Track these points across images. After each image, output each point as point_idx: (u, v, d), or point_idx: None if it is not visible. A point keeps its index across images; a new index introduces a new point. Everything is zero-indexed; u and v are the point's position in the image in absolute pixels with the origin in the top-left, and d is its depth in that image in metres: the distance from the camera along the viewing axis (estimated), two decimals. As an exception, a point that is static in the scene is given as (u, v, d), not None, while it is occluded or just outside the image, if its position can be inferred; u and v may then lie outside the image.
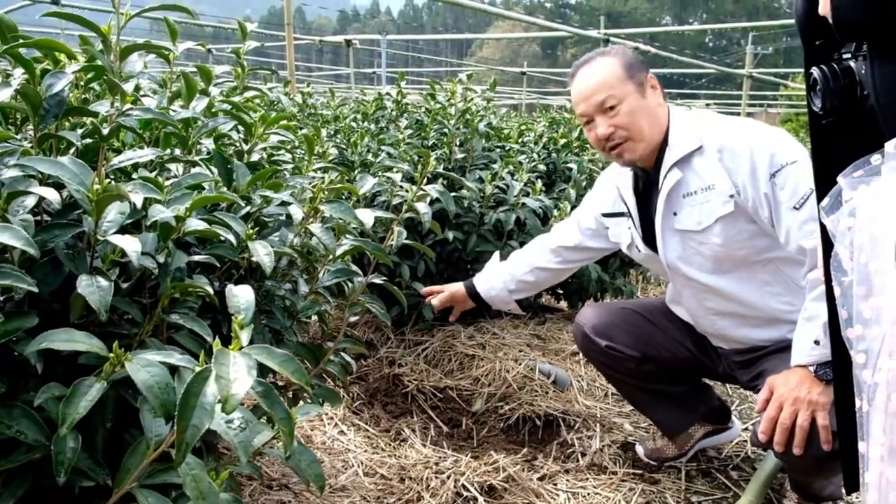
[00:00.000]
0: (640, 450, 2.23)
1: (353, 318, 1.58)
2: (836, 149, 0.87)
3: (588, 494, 2.01)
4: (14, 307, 0.99)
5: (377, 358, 2.87)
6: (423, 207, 1.60)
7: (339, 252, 1.36)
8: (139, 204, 0.94)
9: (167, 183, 1.13)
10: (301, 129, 2.18)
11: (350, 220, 1.28)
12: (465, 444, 2.36)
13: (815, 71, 0.85)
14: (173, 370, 0.85)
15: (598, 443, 2.30)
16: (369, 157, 3.00)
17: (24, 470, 0.95)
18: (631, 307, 2.15)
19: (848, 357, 0.81)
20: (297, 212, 1.30)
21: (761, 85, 17.89)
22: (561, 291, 3.62)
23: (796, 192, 1.61)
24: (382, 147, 3.00)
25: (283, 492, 1.90)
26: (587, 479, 2.09)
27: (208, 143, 1.45)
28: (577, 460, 2.21)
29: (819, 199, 0.91)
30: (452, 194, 2.64)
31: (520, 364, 2.78)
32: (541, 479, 2.08)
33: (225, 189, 1.30)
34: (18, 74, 1.16)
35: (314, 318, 1.64)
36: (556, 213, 2.94)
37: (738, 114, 11.75)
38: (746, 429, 2.44)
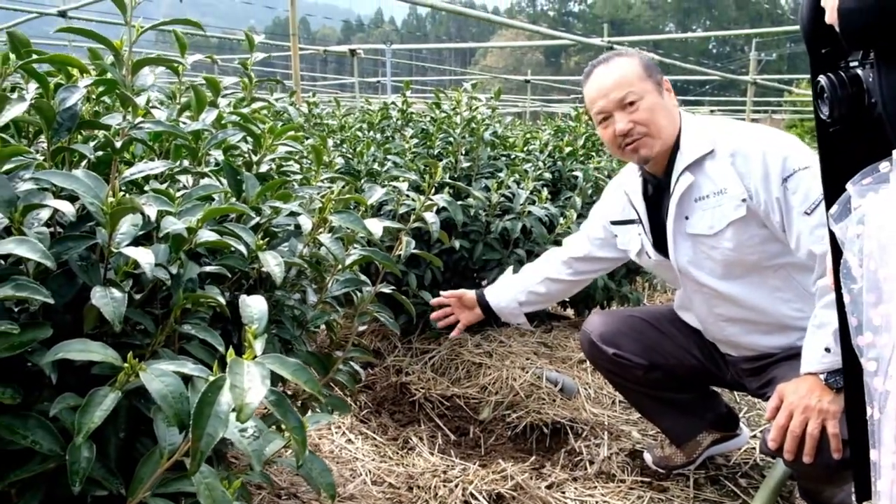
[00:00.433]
0: (648, 457, 2.23)
1: (361, 328, 1.58)
2: (843, 156, 0.87)
3: (597, 503, 2.01)
4: (28, 318, 1.00)
5: (384, 366, 2.88)
6: (430, 217, 1.61)
7: (348, 262, 1.37)
8: (153, 216, 0.95)
9: (178, 194, 1.14)
10: (307, 139, 2.19)
11: (359, 230, 1.29)
12: (473, 452, 2.36)
13: (822, 79, 0.85)
14: (186, 380, 0.85)
15: (606, 451, 2.30)
16: (375, 166, 3.01)
17: (38, 480, 0.96)
18: (638, 315, 2.15)
19: (858, 365, 0.81)
20: (306, 222, 1.31)
21: (765, 91, 17.89)
22: (567, 299, 3.63)
23: (808, 197, 1.62)
24: (388, 156, 3.01)
25: (291, 501, 1.90)
26: (595, 487, 2.09)
27: (217, 155, 1.47)
28: (585, 468, 2.21)
29: (827, 207, 0.91)
30: (459, 203, 2.65)
31: (527, 372, 2.78)
32: (549, 487, 2.08)
33: (234, 200, 1.31)
34: (32, 89, 1.18)
35: (322, 327, 1.65)
36: (562, 220, 2.94)
37: (743, 120, 11.75)
38: (755, 436, 2.43)
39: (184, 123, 1.40)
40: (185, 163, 1.38)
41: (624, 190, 1.99)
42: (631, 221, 1.99)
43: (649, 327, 2.08)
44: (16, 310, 1.02)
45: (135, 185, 1.21)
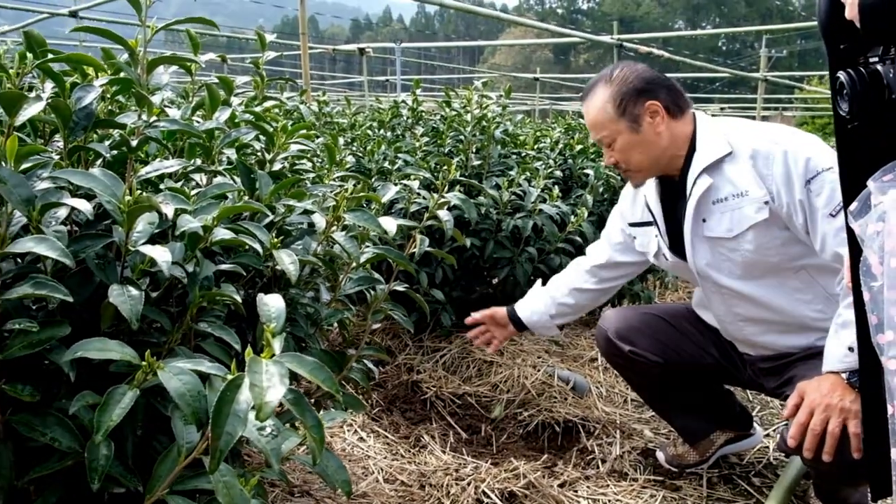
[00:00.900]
0: (660, 456, 2.22)
1: (375, 326, 1.58)
2: (863, 153, 0.86)
3: (609, 501, 2.00)
4: (46, 316, 1.01)
5: (396, 365, 2.88)
6: (444, 215, 1.61)
7: (362, 260, 1.37)
8: (170, 214, 0.95)
9: (192, 193, 1.15)
10: (318, 137, 2.20)
11: (373, 228, 1.29)
12: (485, 450, 2.36)
13: (841, 75, 0.84)
14: (204, 378, 0.86)
15: (619, 449, 2.29)
16: (386, 164, 3.01)
17: (56, 477, 0.97)
18: (654, 312, 2.14)
19: (876, 363, 0.80)
20: (320, 220, 1.31)
21: (776, 88, 17.78)
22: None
23: (832, 198, 1.59)
24: (399, 155, 3.01)
25: (304, 498, 1.91)
26: (608, 485, 2.09)
27: (230, 153, 1.47)
28: (598, 467, 2.21)
29: (845, 204, 0.91)
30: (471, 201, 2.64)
31: (538, 370, 2.78)
32: (561, 485, 2.07)
33: (248, 198, 1.31)
34: (48, 88, 1.18)
35: (334, 325, 1.65)
36: (573, 218, 2.94)
37: (753, 117, 11.69)
38: (768, 435, 2.42)
39: (197, 122, 1.40)
40: (199, 161, 1.38)
41: (641, 191, 1.98)
42: (648, 223, 1.98)
43: (666, 325, 2.07)
44: (34, 308, 1.03)
45: (150, 184, 1.22)
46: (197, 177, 1.37)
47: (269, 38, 1.80)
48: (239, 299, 1.05)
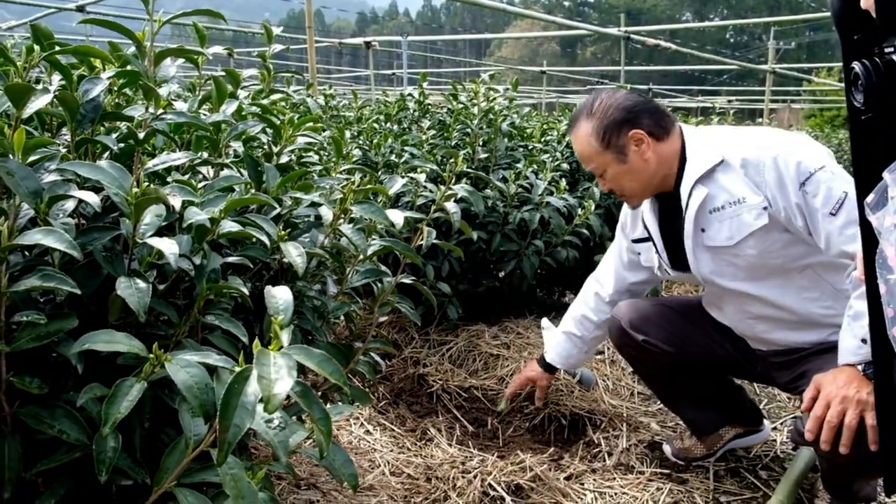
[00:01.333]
0: (667, 449, 2.21)
1: (382, 318, 1.58)
2: (877, 144, 0.85)
3: (615, 494, 2.00)
4: (53, 309, 1.01)
5: (402, 358, 2.88)
6: (452, 207, 1.60)
7: (369, 252, 1.37)
8: (178, 206, 0.95)
9: (199, 185, 1.14)
10: (325, 130, 2.19)
11: (381, 220, 1.29)
12: (491, 443, 2.36)
13: (856, 66, 0.83)
14: (211, 370, 0.86)
15: (625, 442, 2.29)
16: (392, 157, 3.01)
17: (64, 469, 0.97)
18: (668, 304, 2.13)
19: (891, 355, 0.80)
20: (327, 213, 1.31)
21: (784, 80, 17.67)
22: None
23: (830, 197, 1.59)
24: (405, 148, 3.00)
25: (311, 491, 1.91)
26: (614, 478, 2.08)
27: (237, 146, 1.47)
28: (604, 460, 2.20)
29: (860, 196, 0.90)
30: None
31: (545, 364, 2.77)
32: (567, 478, 2.07)
33: (254, 191, 1.31)
34: (55, 81, 1.18)
35: (341, 318, 1.65)
36: (580, 211, 2.93)
37: (762, 110, 11.61)
38: (775, 428, 2.42)
39: (204, 115, 1.40)
40: (205, 154, 1.38)
41: (639, 207, 1.99)
42: (648, 239, 2.00)
43: (679, 317, 2.07)
44: (41, 300, 1.03)
45: (157, 177, 1.21)
46: (203, 170, 1.37)
47: (276, 31, 1.80)
48: (246, 292, 1.05)
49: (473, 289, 3.09)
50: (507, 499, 1.91)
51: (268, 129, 1.49)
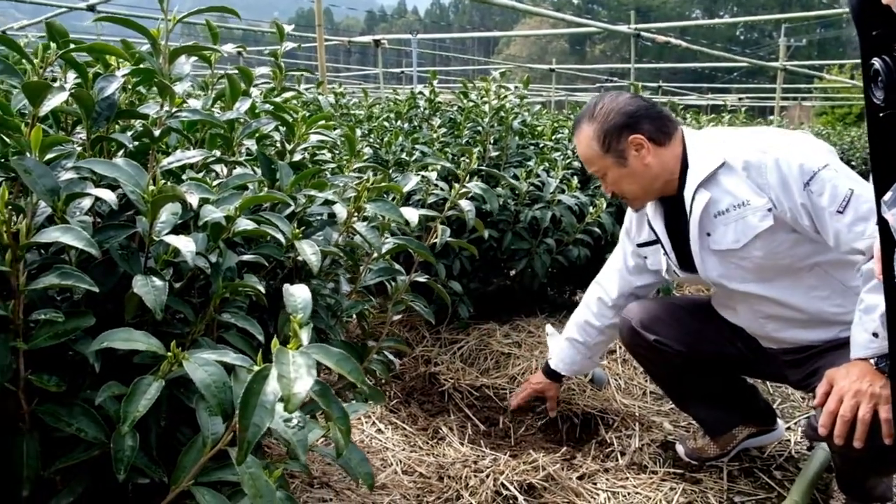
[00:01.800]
0: (680, 449, 2.20)
1: (395, 317, 1.58)
2: (896, 142, 0.84)
3: (629, 494, 1.99)
4: (70, 307, 1.01)
5: (413, 357, 2.88)
6: (466, 205, 1.60)
7: (383, 250, 1.36)
8: (195, 204, 0.95)
9: (214, 184, 1.14)
10: (335, 129, 2.19)
11: (395, 218, 1.28)
12: (503, 442, 2.36)
13: (876, 62, 0.82)
14: (229, 369, 0.85)
15: (638, 442, 2.28)
16: (403, 156, 3.00)
17: (82, 467, 0.97)
18: (679, 303, 2.13)
19: None
20: (341, 210, 1.30)
21: (795, 78, 17.56)
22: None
23: (836, 195, 1.58)
24: (416, 146, 3.00)
25: (324, 490, 1.91)
26: (627, 478, 2.07)
27: (250, 144, 1.47)
28: (617, 459, 2.19)
29: (878, 193, 0.88)
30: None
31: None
32: (580, 478, 2.06)
33: (268, 189, 1.31)
34: (70, 79, 1.18)
35: (353, 316, 1.65)
36: (591, 209, 2.92)
37: (773, 108, 11.53)
38: (789, 427, 2.40)
39: (217, 113, 1.40)
40: (218, 152, 1.38)
41: (644, 211, 1.99)
42: (654, 242, 1.99)
43: (690, 316, 2.06)
44: (58, 298, 1.03)
45: (172, 175, 1.21)
46: (217, 168, 1.37)
47: (287, 29, 1.79)
48: (262, 290, 1.05)
49: (484, 287, 3.09)
50: (520, 498, 1.90)
51: (281, 127, 1.49)
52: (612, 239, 3.09)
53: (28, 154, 0.94)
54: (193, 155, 1.14)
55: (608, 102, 1.84)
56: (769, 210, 1.67)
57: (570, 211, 2.90)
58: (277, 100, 1.60)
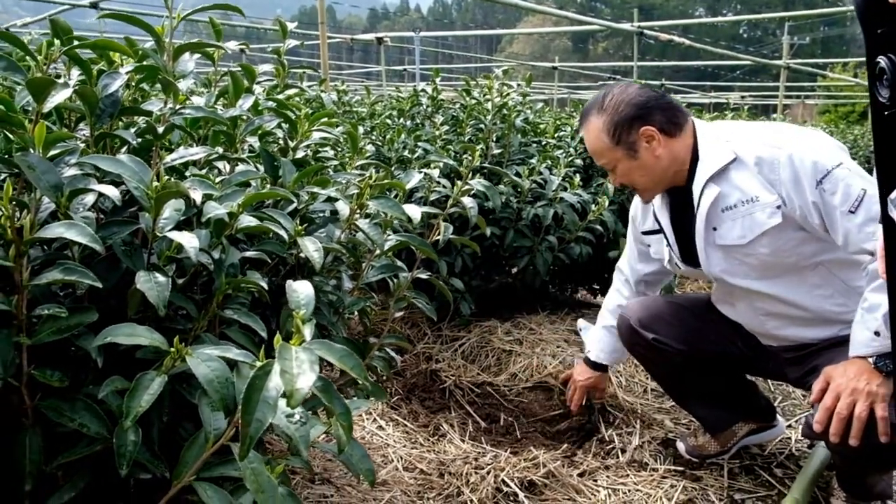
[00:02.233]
0: (681, 446, 2.20)
1: (397, 314, 1.58)
2: (902, 140, 0.84)
3: (629, 491, 1.99)
4: (73, 303, 1.01)
5: (414, 354, 2.89)
6: (469, 202, 1.60)
7: (386, 247, 1.37)
8: (199, 200, 0.95)
9: (217, 180, 1.15)
10: (338, 126, 2.20)
11: (398, 215, 1.28)
12: (504, 439, 2.36)
13: (882, 60, 0.82)
14: (231, 365, 0.86)
15: (638, 439, 2.28)
16: (405, 153, 3.00)
17: (84, 462, 0.97)
18: (678, 301, 2.12)
19: None
20: (344, 207, 1.31)
21: (798, 76, 17.52)
22: (598, 287, 3.60)
23: (848, 195, 1.57)
24: (419, 143, 3.00)
25: (325, 486, 1.92)
26: (628, 475, 2.08)
27: (253, 141, 1.47)
28: (618, 457, 2.19)
29: (882, 192, 0.88)
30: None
31: (557, 360, 2.77)
32: (581, 475, 2.07)
33: (270, 186, 1.31)
34: (74, 76, 1.18)
35: (355, 313, 1.65)
36: (594, 207, 2.92)
37: (776, 106, 11.52)
38: (790, 426, 2.40)
39: (220, 110, 1.40)
40: (220, 149, 1.38)
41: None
42: (658, 231, 1.98)
43: (689, 314, 2.05)
44: (61, 294, 1.03)
45: (175, 171, 1.22)
46: (220, 165, 1.37)
47: (290, 26, 1.80)
48: (265, 287, 1.06)
49: (486, 285, 3.09)
50: (521, 495, 1.90)
51: (283, 125, 1.49)
52: (615, 237, 3.09)
53: (32, 150, 0.94)
54: (196, 152, 1.15)
55: (618, 94, 1.82)
56: (778, 207, 1.66)
57: (572, 209, 2.90)
58: (280, 97, 1.60)
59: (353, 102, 4.20)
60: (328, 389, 0.77)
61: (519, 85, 3.33)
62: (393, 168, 2.85)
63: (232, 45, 1.39)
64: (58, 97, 0.97)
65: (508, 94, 3.10)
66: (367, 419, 2.37)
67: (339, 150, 2.01)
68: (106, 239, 0.97)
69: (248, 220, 1.06)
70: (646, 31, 8.77)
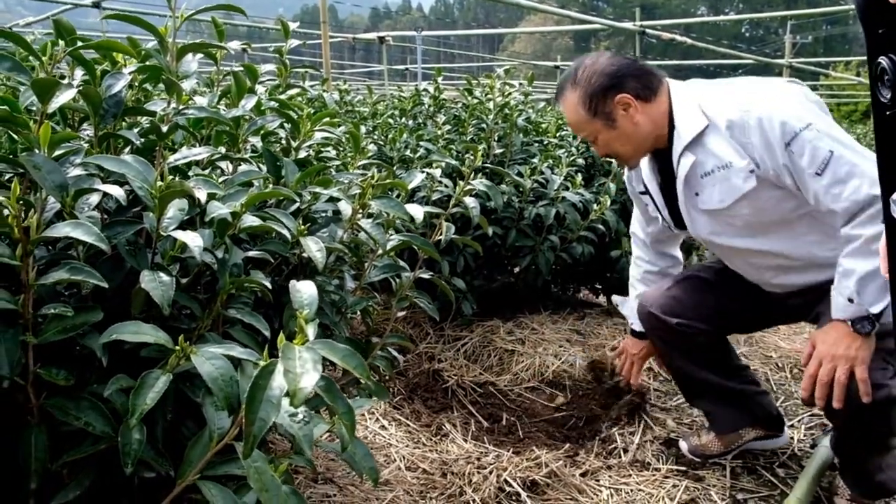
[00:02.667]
0: (683, 446, 2.20)
1: (400, 313, 1.58)
2: (905, 141, 0.84)
3: (631, 491, 2.00)
4: (78, 302, 1.02)
5: (416, 353, 2.89)
6: (471, 202, 1.60)
7: (388, 247, 1.37)
8: (203, 199, 0.96)
9: (220, 180, 1.15)
10: (340, 125, 2.20)
11: (400, 215, 1.29)
12: (506, 439, 2.36)
13: (883, 60, 0.82)
14: (235, 363, 0.86)
15: (640, 439, 2.28)
16: (407, 153, 3.01)
17: (89, 460, 0.98)
18: (690, 276, 2.11)
19: None
20: (346, 207, 1.31)
21: (800, 75, 17.49)
22: (600, 287, 3.60)
23: (815, 157, 1.58)
24: (421, 143, 3.01)
25: (327, 485, 1.92)
26: (630, 475, 2.08)
27: (255, 141, 1.47)
28: (620, 456, 2.20)
29: (885, 193, 0.88)
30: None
31: (560, 359, 2.77)
32: (583, 474, 2.07)
33: (272, 186, 1.32)
34: (77, 76, 1.19)
35: (357, 313, 1.66)
36: (595, 207, 2.92)
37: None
38: (792, 425, 2.40)
39: (223, 110, 1.41)
40: (223, 149, 1.39)
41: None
42: (648, 193, 2.01)
43: (702, 283, 2.06)
44: (66, 293, 1.04)
45: (178, 171, 1.22)
46: (222, 165, 1.37)
47: (292, 26, 1.80)
48: (269, 286, 1.06)
49: (488, 284, 3.09)
50: (523, 494, 1.91)
51: (286, 124, 1.50)
52: (617, 236, 3.09)
53: (37, 150, 0.95)
54: (200, 152, 1.15)
55: (589, 65, 1.82)
56: (752, 171, 1.68)
57: (573, 208, 2.90)
58: (282, 97, 1.60)
59: (356, 102, 4.20)
60: (331, 389, 0.77)
61: (521, 84, 3.33)
62: (395, 168, 2.85)
63: (234, 45, 1.40)
64: (62, 98, 0.98)
65: (510, 94, 3.10)
66: (370, 419, 2.37)
67: (342, 149, 2.01)
68: (110, 238, 0.97)
69: (251, 220, 1.07)
70: (648, 31, 8.77)
